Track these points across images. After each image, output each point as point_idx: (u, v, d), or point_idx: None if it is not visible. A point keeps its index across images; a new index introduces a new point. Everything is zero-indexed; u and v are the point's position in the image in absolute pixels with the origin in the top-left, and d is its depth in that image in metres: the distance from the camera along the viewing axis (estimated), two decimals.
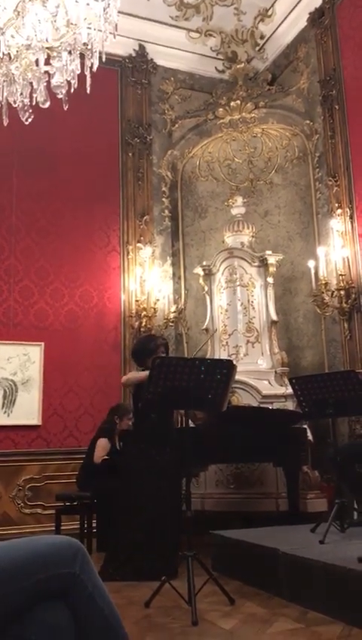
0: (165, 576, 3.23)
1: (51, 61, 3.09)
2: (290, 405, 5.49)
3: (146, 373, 4.19)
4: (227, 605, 3.13)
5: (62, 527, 4.81)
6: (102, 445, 5.01)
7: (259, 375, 5.84)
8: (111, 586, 1.54)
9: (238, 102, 6.81)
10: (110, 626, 1.45)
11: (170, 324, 6.48)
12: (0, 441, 5.68)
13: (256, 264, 6.18)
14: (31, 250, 6.15)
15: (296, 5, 6.66)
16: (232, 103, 6.82)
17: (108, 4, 2.99)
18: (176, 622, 2.92)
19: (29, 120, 3.21)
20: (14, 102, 3.17)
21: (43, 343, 5.95)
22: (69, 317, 6.18)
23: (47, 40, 3.02)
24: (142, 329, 6.30)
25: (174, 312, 6.49)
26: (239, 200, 6.59)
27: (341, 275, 5.59)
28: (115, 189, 6.68)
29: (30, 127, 3.46)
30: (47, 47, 3.03)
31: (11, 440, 5.72)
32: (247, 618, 2.91)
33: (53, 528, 4.87)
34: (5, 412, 5.72)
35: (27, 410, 5.79)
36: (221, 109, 6.88)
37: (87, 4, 2.98)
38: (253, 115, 6.82)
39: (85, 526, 4.82)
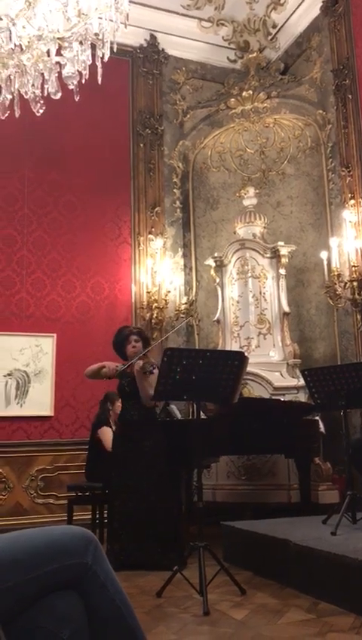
0: (177, 566, 3.25)
1: (62, 52, 3.08)
2: (302, 397, 5.48)
3: (99, 364, 4.29)
4: (238, 596, 3.14)
5: (74, 518, 4.85)
6: (108, 433, 5.02)
7: (271, 367, 5.83)
8: (121, 576, 1.55)
9: (250, 92, 6.75)
10: (122, 616, 1.46)
11: (181, 315, 6.48)
12: (13, 431, 5.72)
13: (268, 255, 6.16)
14: (43, 241, 6.17)
15: None
16: (244, 93, 6.78)
17: None
18: (187, 612, 2.94)
19: (41, 111, 3.20)
20: (26, 93, 3.16)
21: (55, 335, 5.98)
22: (80, 309, 6.19)
23: (58, 30, 3.01)
24: (153, 320, 6.31)
25: (185, 303, 6.48)
26: (251, 191, 6.56)
27: (354, 266, 5.55)
28: (126, 180, 6.67)
29: (41, 118, 3.46)
30: (58, 38, 3.02)
31: (24, 431, 5.77)
32: (258, 608, 2.92)
33: (66, 518, 4.91)
34: (18, 403, 5.76)
35: (39, 401, 5.82)
36: (233, 99, 6.84)
37: None
38: (265, 105, 6.76)
39: (97, 516, 4.85)
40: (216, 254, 6.44)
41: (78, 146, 6.45)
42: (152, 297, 6.33)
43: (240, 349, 5.74)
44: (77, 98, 3.09)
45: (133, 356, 4.16)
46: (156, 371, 3.80)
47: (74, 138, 6.43)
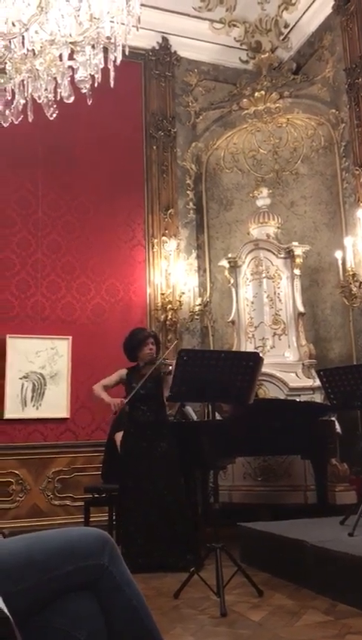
0: (193, 568, 3.25)
1: (75, 56, 3.09)
2: (318, 398, 5.45)
3: (111, 378, 4.22)
4: (255, 597, 3.13)
5: (90, 519, 4.86)
6: None
7: (286, 367, 5.80)
8: (137, 577, 1.54)
9: (263, 92, 6.74)
10: (139, 617, 1.46)
11: (196, 317, 6.48)
12: (29, 434, 5.76)
13: (282, 256, 6.13)
14: (57, 244, 6.20)
15: None
16: (257, 94, 6.76)
17: None
18: (205, 613, 2.93)
19: (54, 115, 3.22)
20: (39, 98, 3.18)
21: (70, 337, 6.00)
22: (95, 311, 6.22)
23: (70, 35, 3.02)
24: (167, 322, 6.31)
25: (199, 304, 6.48)
26: (264, 191, 6.54)
27: None
28: (140, 183, 6.68)
29: (54, 122, 3.48)
30: (70, 42, 3.04)
31: (40, 433, 5.80)
32: (276, 610, 2.90)
33: (82, 520, 4.92)
34: (34, 405, 5.79)
35: (55, 403, 5.85)
36: (245, 100, 6.82)
37: None
38: (277, 105, 6.74)
39: (113, 518, 4.86)
40: (229, 255, 6.43)
41: (91, 149, 6.48)
42: (166, 299, 6.33)
43: (255, 350, 5.72)
44: (89, 101, 3.10)
45: (147, 359, 4.16)
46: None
47: (87, 141, 6.46)
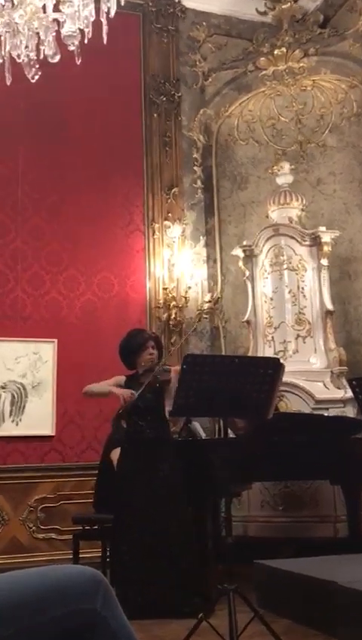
0: (202, 613, 3.25)
1: (61, 7, 3.10)
2: (350, 412, 5.44)
3: (109, 382, 4.20)
4: None
5: (80, 556, 4.86)
6: None
7: (312, 376, 5.80)
8: (135, 625, 1.54)
9: (283, 49, 6.73)
10: None
11: (204, 316, 6.47)
12: (8, 454, 5.77)
13: (306, 243, 6.13)
14: (41, 230, 6.21)
15: None
16: (276, 51, 6.75)
17: None
18: None
19: (36, 77, 3.22)
20: (18, 56, 3.19)
21: (56, 340, 6.01)
22: (85, 309, 6.22)
23: None
24: (170, 322, 6.31)
25: (209, 301, 6.48)
26: (286, 166, 6.53)
27: None
28: (138, 157, 6.68)
29: (37, 85, 3.49)
30: None
31: (21, 453, 5.81)
32: None
33: (71, 556, 4.93)
34: (13, 421, 5.80)
35: (39, 418, 5.86)
36: (263, 59, 6.81)
37: None
38: (301, 64, 6.73)
39: (107, 554, 4.86)
40: (244, 243, 6.42)
41: (81, 119, 6.49)
42: (170, 295, 6.33)
43: (275, 355, 5.71)
44: (78, 61, 3.11)
45: (147, 366, 4.16)
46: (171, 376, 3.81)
47: (76, 109, 6.46)
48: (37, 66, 3.20)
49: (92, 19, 3.11)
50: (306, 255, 6.14)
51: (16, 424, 5.80)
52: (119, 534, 4.20)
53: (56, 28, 3.14)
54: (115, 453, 4.96)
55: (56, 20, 3.13)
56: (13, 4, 3.09)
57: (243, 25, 7.20)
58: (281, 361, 3.56)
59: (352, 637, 3.16)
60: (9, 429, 5.78)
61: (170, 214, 6.61)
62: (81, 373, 6.00)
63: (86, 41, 3.14)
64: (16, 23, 3.11)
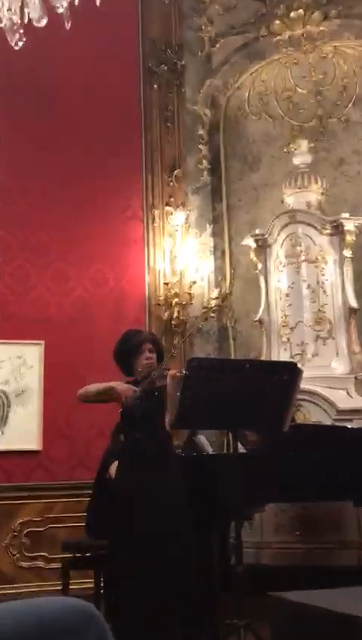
0: None
1: None
2: None
3: (105, 384, 4.19)
4: None
5: (70, 587, 4.87)
6: None
7: (334, 382, 5.79)
8: None
9: (301, 11, 6.71)
10: None
11: (211, 314, 6.47)
12: None
13: (327, 232, 6.12)
14: (26, 218, 6.21)
15: None
16: (293, 14, 6.74)
17: None
18: None
19: (20, 44, 3.22)
20: (0, 20, 3.18)
21: (43, 342, 6.02)
22: (76, 306, 6.23)
23: None
24: (173, 321, 6.31)
25: (216, 298, 6.47)
26: (304, 145, 6.52)
27: None
28: (136, 135, 6.68)
29: (21, 54, 3.48)
30: None
31: (3, 470, 5.82)
32: None
33: (60, 587, 4.93)
34: None
35: (23, 430, 5.86)
36: (277, 22, 6.80)
37: None
38: (321, 28, 6.71)
39: (101, 585, 4.86)
40: (257, 231, 6.41)
41: (71, 91, 6.48)
42: (172, 290, 6.33)
43: (292, 360, 5.71)
44: (68, 26, 3.10)
45: (145, 371, 4.15)
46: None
47: (65, 81, 6.46)
48: (21, 31, 3.20)
49: None
50: (327, 245, 6.13)
51: None
52: (114, 562, 4.20)
53: None
54: (113, 467, 4.96)
55: None
56: None
57: None
58: (299, 365, 3.55)
59: None
60: None
61: (172, 199, 6.61)
62: (72, 379, 6.00)
63: (76, 3, 3.14)
64: None
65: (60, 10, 3.10)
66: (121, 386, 4.13)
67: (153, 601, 3.94)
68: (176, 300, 6.32)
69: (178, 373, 3.91)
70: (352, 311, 6.02)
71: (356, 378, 5.84)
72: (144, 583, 3.95)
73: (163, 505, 4.03)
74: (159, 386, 4.09)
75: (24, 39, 3.23)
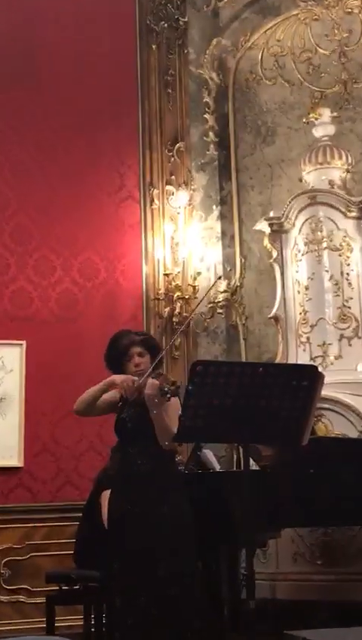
0: None
1: None
2: None
3: (101, 383, 4.18)
4: None
5: (56, 624, 4.87)
6: None
7: (360, 389, 5.79)
8: None
9: None
10: None
11: (219, 310, 6.47)
12: None
13: (353, 214, 6.11)
14: (4, 199, 6.21)
15: None
16: None
17: None
18: None
19: None
20: None
21: (24, 342, 6.01)
22: (63, 302, 6.22)
23: None
24: (174, 319, 6.30)
25: (225, 291, 6.47)
26: (326, 114, 6.51)
27: None
28: (132, 103, 6.68)
29: (1, 11, 3.49)
30: None
31: None
32: None
33: (44, 625, 4.94)
34: None
35: (1, 444, 5.86)
36: None
37: None
38: None
39: (92, 622, 4.86)
40: (271, 214, 6.41)
41: (58, 53, 6.48)
42: (173, 283, 6.33)
43: (312, 362, 5.71)
44: None
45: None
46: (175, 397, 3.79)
47: (51, 41, 6.46)
48: None
49: None
50: (352, 230, 6.12)
51: None
52: (108, 598, 4.21)
53: None
54: (106, 496, 4.96)
55: None
56: None
57: None
58: (320, 369, 3.55)
59: None
60: None
61: (173, 177, 6.61)
62: (57, 385, 6.02)
63: None
64: None
65: None
66: (119, 377, 4.12)
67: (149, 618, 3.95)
68: (178, 293, 6.32)
69: (156, 386, 3.86)
70: None
71: None
72: (141, 623, 3.95)
73: (163, 532, 4.03)
74: (165, 393, 4.07)
75: None
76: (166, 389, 3.90)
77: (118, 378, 4.11)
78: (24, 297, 6.15)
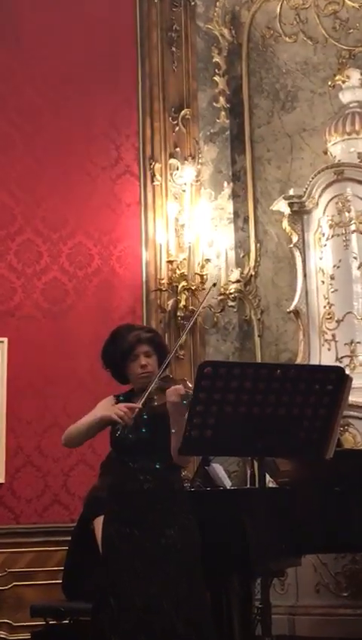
0: None
1: None
2: None
3: (92, 413, 4.15)
4: None
5: None
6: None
7: None
8: None
9: None
10: None
11: (230, 303, 6.47)
12: None
13: None
14: None
15: None
16: None
17: None
18: None
19: None
20: None
21: (6, 339, 6.04)
22: (50, 293, 6.23)
23: None
24: (179, 313, 6.31)
25: (237, 281, 6.48)
26: (354, 76, 6.51)
27: None
28: (130, 63, 6.69)
29: None
30: None
31: None
32: None
33: None
34: None
35: None
36: None
37: None
38: None
39: None
40: (291, 192, 6.41)
41: (43, 4, 6.50)
42: (178, 271, 6.34)
43: (338, 364, 5.72)
44: None
45: (141, 382, 4.15)
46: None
47: None
48: None
49: None
50: None
51: None
52: (101, 633, 4.23)
53: None
54: (99, 523, 4.96)
55: None
56: None
57: None
58: (347, 371, 3.55)
59: None
60: None
61: (178, 149, 6.61)
62: (44, 389, 6.04)
63: None
64: None
65: None
66: (113, 409, 4.08)
67: None
68: (183, 284, 6.32)
69: (182, 392, 3.84)
70: None
71: None
72: None
73: (165, 558, 4.05)
74: (159, 404, 4.07)
75: None
76: (191, 393, 3.86)
77: (114, 415, 4.04)
78: (5, 288, 6.16)
